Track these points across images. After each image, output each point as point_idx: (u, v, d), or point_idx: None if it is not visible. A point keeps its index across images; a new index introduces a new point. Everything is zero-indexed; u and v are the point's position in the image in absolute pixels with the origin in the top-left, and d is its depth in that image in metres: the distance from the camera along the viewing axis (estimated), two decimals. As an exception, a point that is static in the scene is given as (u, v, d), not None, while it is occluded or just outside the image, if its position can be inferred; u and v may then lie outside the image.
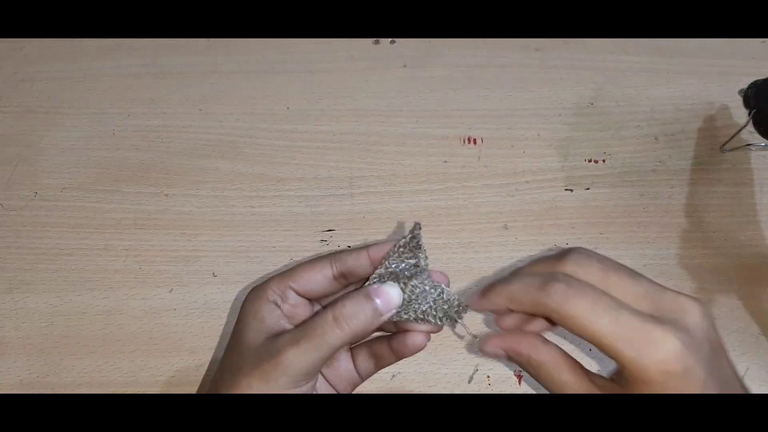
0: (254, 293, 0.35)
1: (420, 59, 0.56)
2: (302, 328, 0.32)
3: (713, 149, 0.51)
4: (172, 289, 0.47)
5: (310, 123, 0.53)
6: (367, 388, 0.44)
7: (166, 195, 0.50)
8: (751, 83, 0.48)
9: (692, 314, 0.28)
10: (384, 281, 0.34)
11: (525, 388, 0.43)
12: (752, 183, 0.50)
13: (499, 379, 0.44)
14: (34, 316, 0.46)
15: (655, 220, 0.49)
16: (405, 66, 0.56)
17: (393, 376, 0.44)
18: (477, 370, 0.44)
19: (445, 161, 0.51)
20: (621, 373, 0.29)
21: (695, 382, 0.27)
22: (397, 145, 0.52)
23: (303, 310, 0.35)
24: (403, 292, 0.34)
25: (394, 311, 0.33)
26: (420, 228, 0.35)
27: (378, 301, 0.33)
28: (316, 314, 0.34)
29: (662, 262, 0.47)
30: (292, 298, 0.34)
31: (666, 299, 0.29)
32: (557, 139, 0.52)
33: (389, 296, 0.33)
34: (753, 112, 0.47)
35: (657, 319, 0.28)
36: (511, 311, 0.32)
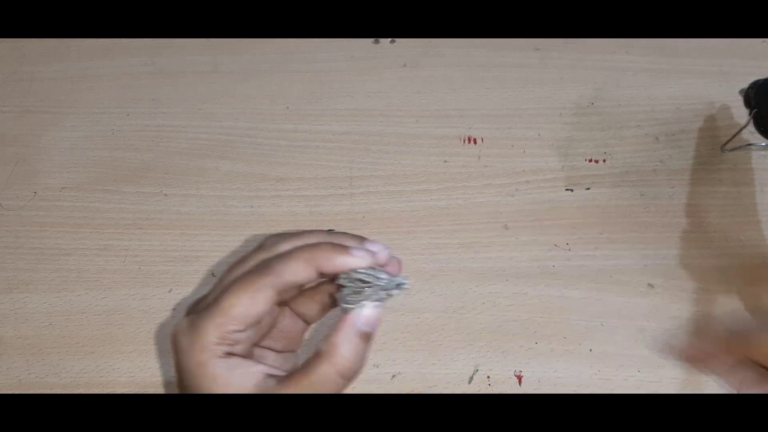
0: (195, 352, 0.29)
1: (420, 59, 0.56)
2: (301, 385, 0.29)
3: (714, 149, 0.51)
4: (171, 289, 0.47)
5: (310, 123, 0.53)
6: (367, 388, 0.44)
7: (166, 195, 0.50)
8: (752, 83, 0.48)
9: None
10: (356, 295, 0.30)
11: (525, 389, 0.43)
12: (753, 183, 0.50)
13: (499, 380, 0.44)
14: (34, 316, 0.46)
15: (656, 220, 0.49)
16: (405, 66, 0.56)
17: (393, 376, 0.44)
18: (477, 370, 0.44)
19: (445, 161, 0.51)
20: None
21: None
22: (397, 145, 0.52)
23: (251, 335, 0.31)
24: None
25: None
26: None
27: (368, 329, 0.30)
28: (311, 364, 0.29)
29: (663, 262, 0.47)
30: (238, 336, 0.30)
31: None
32: (557, 138, 0.52)
33: (375, 321, 0.30)
34: (754, 111, 0.47)
35: None
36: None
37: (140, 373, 0.44)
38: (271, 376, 0.30)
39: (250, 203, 0.50)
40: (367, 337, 0.30)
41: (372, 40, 0.57)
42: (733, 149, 0.50)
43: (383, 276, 0.30)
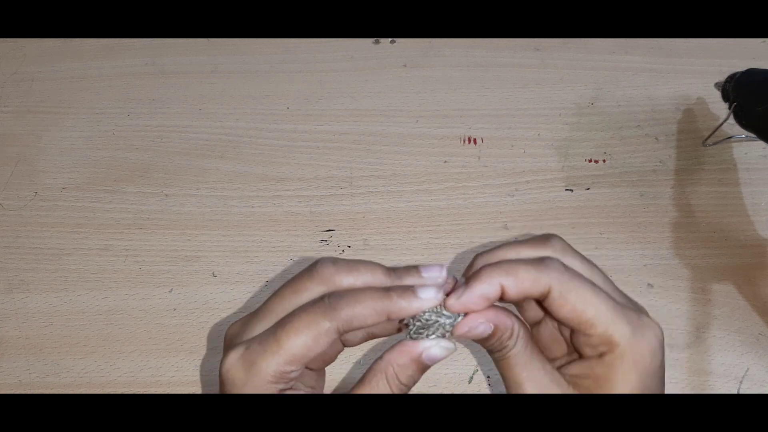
0: (249, 389, 0.29)
1: (420, 59, 0.56)
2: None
3: (714, 149, 0.51)
4: (171, 289, 0.47)
5: (310, 123, 0.53)
6: (367, 388, 0.44)
7: (166, 195, 0.50)
8: (729, 76, 0.48)
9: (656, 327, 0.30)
10: (422, 330, 0.30)
11: (525, 388, 0.43)
12: (753, 183, 0.50)
13: (499, 380, 0.43)
14: (34, 316, 0.46)
15: (656, 220, 0.49)
16: (405, 66, 0.56)
17: (393, 376, 0.44)
18: (477, 370, 0.44)
19: (445, 161, 0.51)
20: (599, 355, 0.29)
21: (659, 375, 0.29)
22: (397, 145, 0.52)
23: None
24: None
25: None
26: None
27: (429, 363, 0.30)
28: (367, 379, 0.30)
29: (662, 262, 0.47)
30: (294, 375, 0.30)
31: (632, 303, 0.30)
32: (557, 138, 0.52)
33: (438, 359, 0.30)
34: (734, 105, 0.46)
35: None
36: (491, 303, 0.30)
37: (141, 373, 0.44)
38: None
39: (250, 203, 0.50)
40: (424, 369, 0.30)
41: (372, 40, 0.57)
42: (715, 143, 0.50)
43: (447, 314, 0.30)
